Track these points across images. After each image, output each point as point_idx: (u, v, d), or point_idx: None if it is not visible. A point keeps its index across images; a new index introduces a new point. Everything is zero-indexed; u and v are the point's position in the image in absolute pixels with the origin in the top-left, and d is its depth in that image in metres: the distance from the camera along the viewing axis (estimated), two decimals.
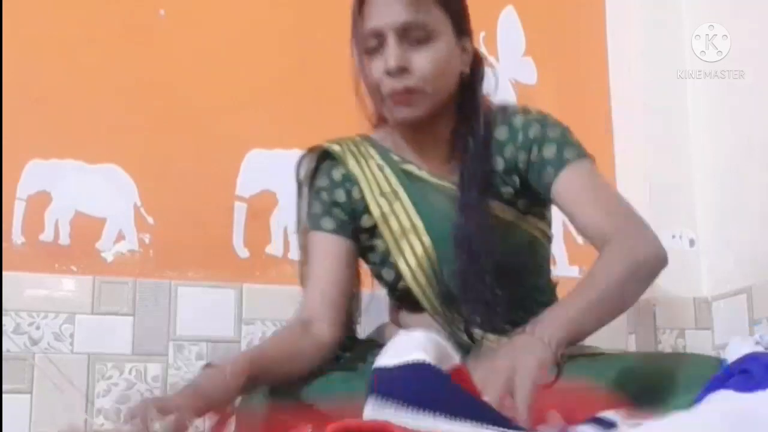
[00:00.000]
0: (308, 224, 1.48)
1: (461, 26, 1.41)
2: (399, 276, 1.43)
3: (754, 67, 1.99)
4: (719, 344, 2.04)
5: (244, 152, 1.96)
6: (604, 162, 2.22)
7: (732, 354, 1.39)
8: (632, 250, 1.24)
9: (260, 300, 1.89)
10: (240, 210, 1.94)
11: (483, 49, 2.14)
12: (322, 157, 1.51)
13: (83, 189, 1.87)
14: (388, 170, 1.45)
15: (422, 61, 1.34)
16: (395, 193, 1.43)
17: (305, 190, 1.51)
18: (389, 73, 1.34)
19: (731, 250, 2.06)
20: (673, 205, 2.17)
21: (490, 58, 2.16)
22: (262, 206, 1.96)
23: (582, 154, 1.38)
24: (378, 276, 1.50)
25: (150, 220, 1.89)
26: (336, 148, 1.49)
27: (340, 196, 1.47)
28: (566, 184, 1.35)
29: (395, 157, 1.46)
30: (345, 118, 2.01)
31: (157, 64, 1.95)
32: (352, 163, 1.47)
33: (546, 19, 2.25)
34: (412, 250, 1.40)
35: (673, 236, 2.12)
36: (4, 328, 1.74)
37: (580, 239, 2.03)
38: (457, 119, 1.43)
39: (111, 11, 1.94)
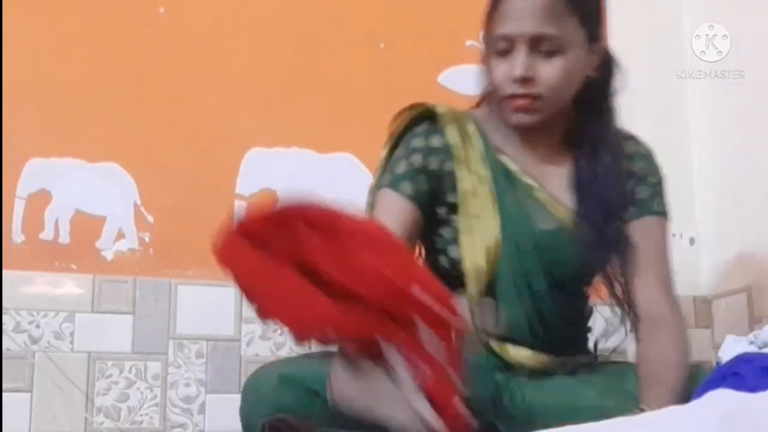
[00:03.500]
0: (385, 180, 1.41)
1: (594, 31, 1.39)
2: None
3: (754, 67, 1.99)
4: (719, 343, 2.03)
5: (243, 151, 1.96)
6: None
7: (726, 353, 1.39)
8: (686, 344, 1.35)
9: None
10: (240, 209, 1.94)
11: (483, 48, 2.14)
12: (422, 118, 1.44)
13: (83, 187, 1.87)
14: (483, 153, 1.41)
15: (550, 72, 1.33)
16: (482, 177, 1.40)
17: (397, 143, 1.45)
18: (514, 80, 1.33)
19: (731, 248, 2.06)
20: (673, 204, 2.15)
21: None
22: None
23: (667, 212, 1.44)
24: (439, 255, 1.43)
25: (150, 218, 1.90)
26: (442, 109, 1.43)
27: (433, 163, 1.40)
28: (643, 233, 1.40)
29: (492, 144, 1.42)
30: (345, 117, 2.03)
31: (157, 63, 1.95)
32: (452, 133, 1.41)
33: None
34: (482, 236, 1.37)
35: (673, 235, 2.11)
36: (4, 327, 1.74)
37: None
38: (575, 119, 1.42)
39: (111, 10, 1.94)
